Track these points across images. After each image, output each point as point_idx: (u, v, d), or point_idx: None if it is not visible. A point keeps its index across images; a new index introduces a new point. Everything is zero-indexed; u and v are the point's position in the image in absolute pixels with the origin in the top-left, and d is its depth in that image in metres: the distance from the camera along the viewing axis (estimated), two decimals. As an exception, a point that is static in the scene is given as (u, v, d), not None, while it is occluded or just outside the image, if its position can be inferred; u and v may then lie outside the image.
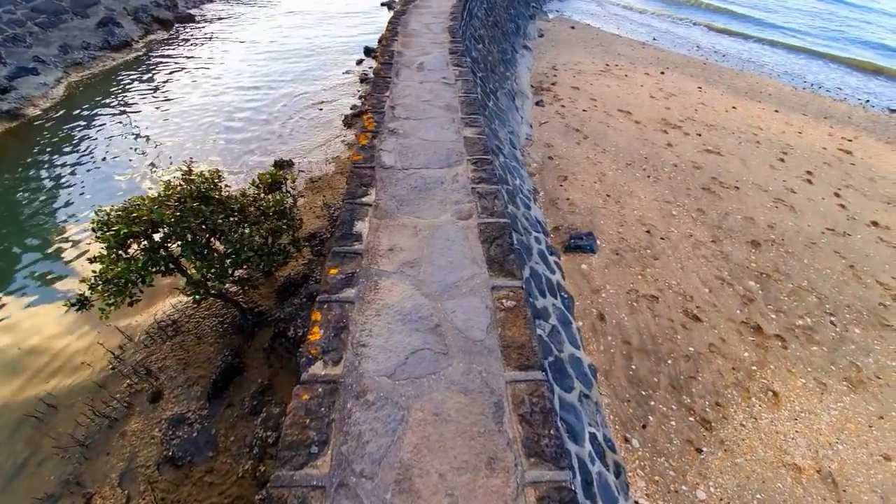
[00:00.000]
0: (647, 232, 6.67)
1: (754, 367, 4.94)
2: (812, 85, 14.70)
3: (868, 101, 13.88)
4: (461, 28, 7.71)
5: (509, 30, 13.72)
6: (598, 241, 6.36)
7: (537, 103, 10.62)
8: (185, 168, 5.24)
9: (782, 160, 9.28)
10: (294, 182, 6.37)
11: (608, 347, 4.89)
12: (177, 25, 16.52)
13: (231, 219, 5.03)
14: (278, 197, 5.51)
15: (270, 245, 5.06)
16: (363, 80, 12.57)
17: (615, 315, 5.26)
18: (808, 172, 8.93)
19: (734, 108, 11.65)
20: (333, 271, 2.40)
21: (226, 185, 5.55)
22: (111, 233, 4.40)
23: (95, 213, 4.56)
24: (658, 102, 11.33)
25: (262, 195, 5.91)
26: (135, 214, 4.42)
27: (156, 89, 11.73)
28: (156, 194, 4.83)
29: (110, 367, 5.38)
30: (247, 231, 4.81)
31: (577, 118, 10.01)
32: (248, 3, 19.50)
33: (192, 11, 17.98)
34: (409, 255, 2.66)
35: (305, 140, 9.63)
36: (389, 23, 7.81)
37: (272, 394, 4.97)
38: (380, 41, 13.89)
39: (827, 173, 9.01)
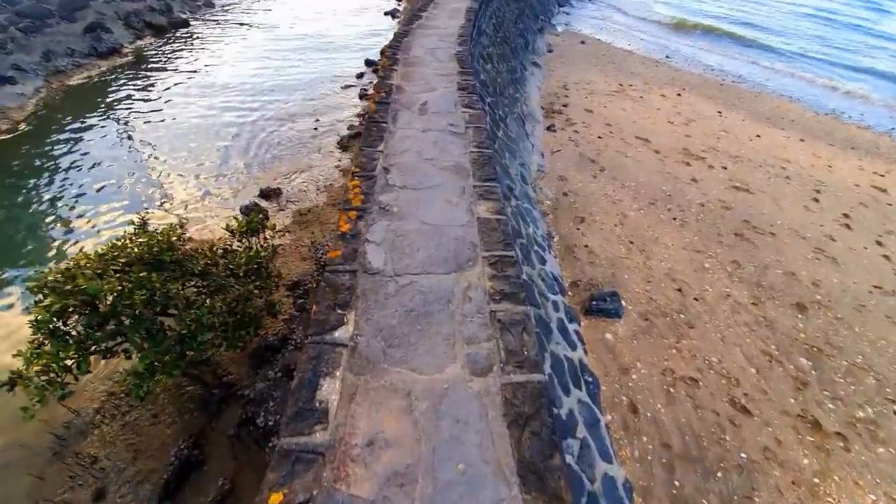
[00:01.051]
0: (679, 290, 5.77)
1: (817, 480, 4.04)
2: (834, 110, 13.83)
3: (894, 129, 13.04)
4: (471, 53, 6.83)
5: (518, 45, 12.86)
6: (622, 302, 5.46)
7: (548, 128, 9.73)
8: (136, 221, 4.34)
9: (816, 199, 8.39)
10: (273, 230, 5.46)
11: (644, 453, 3.98)
12: (171, 31, 15.64)
13: (189, 285, 4.12)
14: (251, 253, 4.60)
15: (238, 316, 4.15)
16: (362, 96, 11.68)
17: (650, 406, 4.35)
18: (845, 215, 8.04)
19: (758, 136, 10.77)
20: (275, 499, 1.48)
21: (189, 237, 4.65)
22: (40, 308, 3.50)
23: (31, 277, 3.66)
24: (677, 129, 10.45)
25: (235, 246, 5.02)
26: (68, 286, 3.51)
27: (140, 101, 10.83)
28: (102, 252, 3.94)
29: (52, 452, 4.47)
30: (208, 303, 3.90)
31: (592, 146, 9.12)
32: (248, 10, 18.63)
33: (189, 17, 17.11)
34: (398, 459, 1.75)
35: (296, 164, 8.72)
36: (389, 47, 6.88)
37: (234, 500, 4.06)
38: (377, 69, 12.97)
39: (864, 216, 8.12)
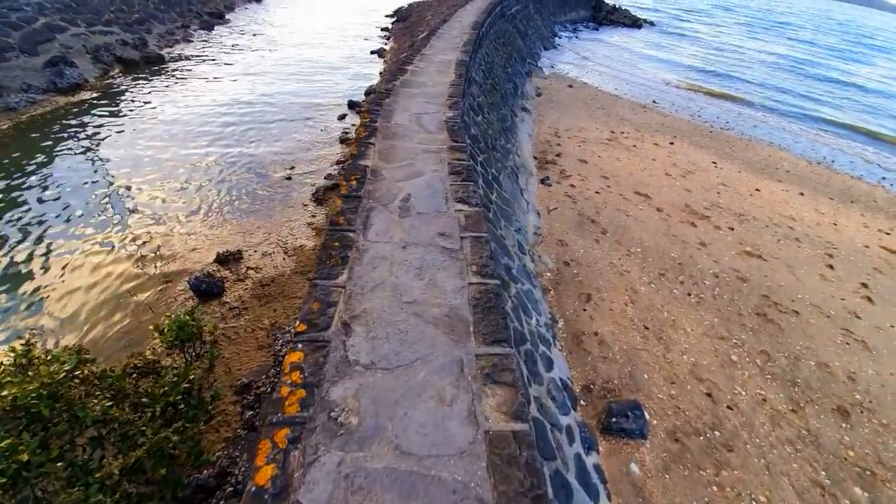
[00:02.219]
0: (708, 395, 4.80)
1: None
2: (825, 158, 13.54)
3: (884, 178, 12.75)
4: (463, 116, 6.00)
5: (508, 91, 12.26)
6: (646, 415, 4.44)
7: (543, 181, 8.93)
8: (20, 347, 3.16)
9: (830, 266, 7.67)
10: (215, 331, 4.32)
11: None
12: (144, 67, 14.65)
13: (82, 437, 2.95)
14: (176, 377, 3.44)
15: (146, 478, 2.98)
16: (343, 140, 10.78)
17: (698, 586, 3.27)
18: (864, 285, 7.31)
19: (758, 190, 10.19)
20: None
21: (92, 360, 3.46)
22: None
23: None
24: (676, 182, 9.79)
25: (162, 360, 3.86)
26: None
27: (94, 139, 9.68)
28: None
29: None
30: (97, 475, 2.73)
31: (590, 203, 8.32)
32: (226, 48, 17.86)
33: (165, 52, 16.21)
34: None
35: (263, 220, 7.64)
36: (366, 113, 5.90)
37: None
38: (351, 142, 12.12)
39: (883, 286, 7.41)
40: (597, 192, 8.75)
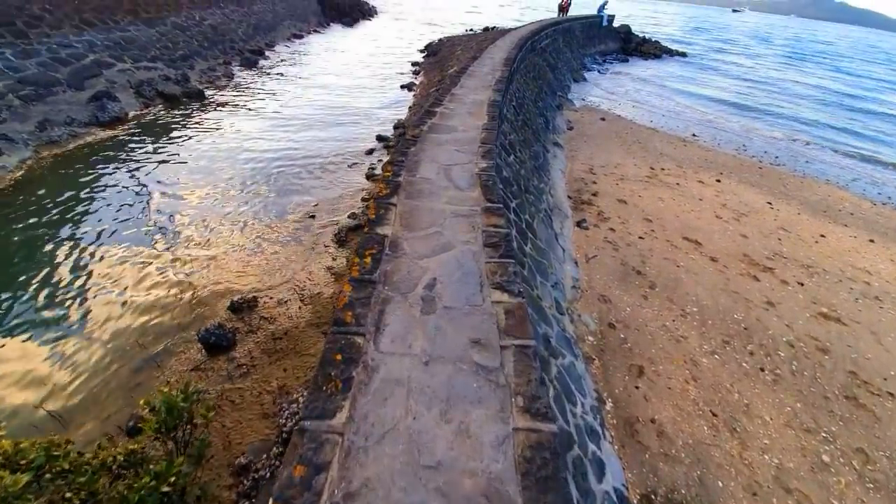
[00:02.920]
0: (803, 515, 3.79)
1: None
2: (890, 199, 12.18)
3: (965, 223, 11.24)
4: (498, 170, 5.41)
5: (539, 127, 11.68)
6: (725, 542, 3.48)
7: (579, 224, 8.15)
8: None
9: (926, 331, 6.47)
10: (209, 414, 3.72)
11: None
12: (184, 102, 14.99)
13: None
14: (151, 480, 2.82)
15: None
16: (370, 176, 10.38)
17: None
18: (974, 356, 6.07)
19: (822, 236, 9.05)
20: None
21: (71, 442, 2.88)
22: None
23: None
24: (729, 226, 8.80)
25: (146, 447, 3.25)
26: None
27: (128, 172, 9.63)
28: None
29: None
30: None
31: (634, 251, 7.46)
32: (265, 85, 18.23)
33: (206, 87, 16.64)
34: None
35: (282, 264, 7.17)
36: (390, 163, 5.27)
37: None
38: (388, 146, 11.89)
39: None
40: (640, 238, 7.89)
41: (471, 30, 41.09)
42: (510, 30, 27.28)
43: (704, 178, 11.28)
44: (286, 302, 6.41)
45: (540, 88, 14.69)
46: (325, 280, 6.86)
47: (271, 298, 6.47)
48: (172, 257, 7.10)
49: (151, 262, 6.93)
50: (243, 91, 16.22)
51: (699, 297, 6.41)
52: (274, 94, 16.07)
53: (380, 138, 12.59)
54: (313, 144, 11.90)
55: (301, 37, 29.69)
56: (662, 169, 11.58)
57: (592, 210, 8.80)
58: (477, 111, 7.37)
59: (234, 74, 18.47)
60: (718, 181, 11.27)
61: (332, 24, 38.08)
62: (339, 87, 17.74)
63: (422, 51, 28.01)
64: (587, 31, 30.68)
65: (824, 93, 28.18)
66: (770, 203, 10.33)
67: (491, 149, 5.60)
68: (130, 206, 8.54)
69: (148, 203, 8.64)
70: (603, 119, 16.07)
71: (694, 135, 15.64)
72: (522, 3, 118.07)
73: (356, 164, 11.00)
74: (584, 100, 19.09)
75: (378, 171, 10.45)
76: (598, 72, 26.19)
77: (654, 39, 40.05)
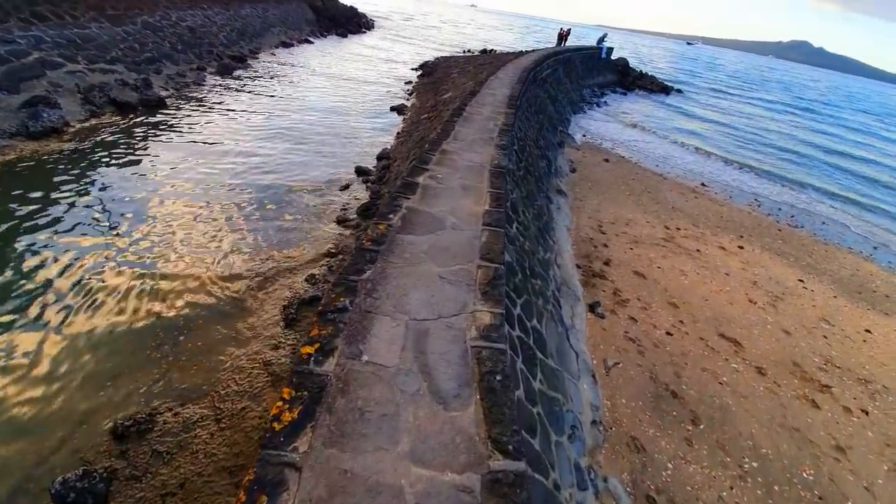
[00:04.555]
0: None
1: None
2: (920, 275, 10.97)
3: None
4: (512, 321, 3.67)
5: (542, 171, 10.12)
6: None
7: (592, 308, 6.51)
8: None
9: None
10: None
11: None
12: (139, 111, 13.03)
13: None
14: None
15: None
16: (341, 221, 8.60)
17: None
18: None
19: (868, 331, 7.61)
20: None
21: None
22: None
23: None
24: (767, 316, 7.28)
25: None
26: None
27: (44, 201, 7.63)
28: None
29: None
30: None
31: (663, 355, 5.83)
32: (240, 95, 16.39)
33: (170, 94, 14.72)
34: None
35: (200, 354, 5.29)
36: (316, 326, 2.88)
37: None
38: (367, 182, 10.13)
39: None
40: (668, 334, 6.27)
41: (468, 51, 40.13)
42: (509, 55, 26.11)
43: (725, 243, 9.85)
44: (195, 423, 4.53)
45: (541, 124, 13.24)
46: (256, 384, 5.01)
47: (175, 416, 4.58)
48: (49, 338, 5.12)
49: (16, 347, 4.95)
50: (211, 103, 14.34)
51: (756, 440, 4.77)
52: (245, 110, 14.23)
53: (359, 171, 10.86)
54: (278, 176, 10.07)
55: (291, 45, 28.02)
56: (678, 229, 10.11)
57: (606, 286, 7.19)
58: (475, 184, 5.54)
59: (205, 82, 16.59)
60: (741, 247, 9.85)
61: (326, 34, 36.58)
62: (320, 106, 16.01)
63: (416, 69, 26.62)
64: (587, 63, 29.83)
65: (831, 143, 27.71)
66: (802, 281, 8.91)
67: (499, 276, 3.72)
68: (41, 242, 6.49)
69: (29, 258, 6.59)
70: (607, 160, 14.70)
71: (703, 184, 14.36)
72: (519, 27, 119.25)
73: (327, 203, 9.22)
74: (585, 135, 17.78)
75: (352, 216, 8.69)
76: (598, 105, 25.15)
77: (650, 74, 39.68)
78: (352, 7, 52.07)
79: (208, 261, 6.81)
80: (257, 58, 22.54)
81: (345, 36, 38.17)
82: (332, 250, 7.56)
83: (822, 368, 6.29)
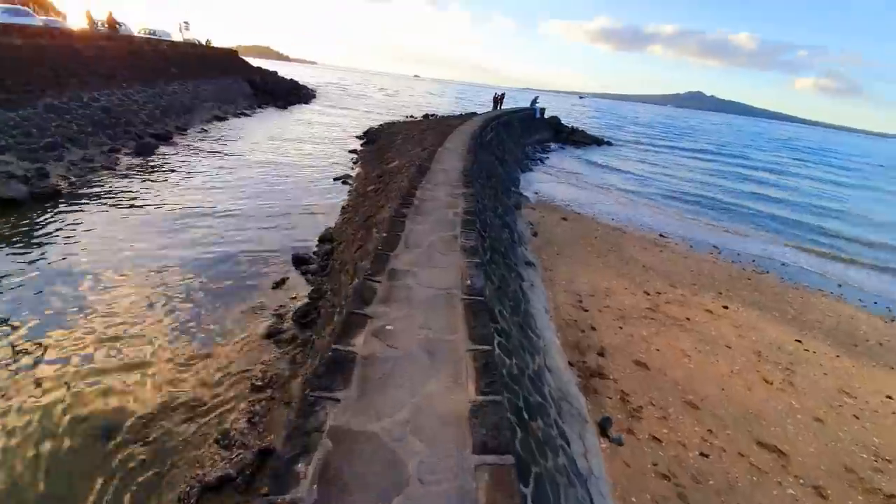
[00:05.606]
0: None
1: None
2: (890, 310, 10.72)
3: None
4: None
5: (506, 244, 8.96)
6: None
7: (604, 431, 5.02)
8: None
9: None
10: None
11: None
12: (28, 206, 10.64)
13: None
14: None
15: None
16: (271, 334, 6.69)
17: None
18: None
19: (889, 397, 6.73)
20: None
21: None
22: None
23: None
24: (791, 399, 6.15)
25: None
26: None
27: None
28: None
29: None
30: None
31: (708, 494, 4.38)
32: (158, 177, 14.41)
33: (70, 183, 12.43)
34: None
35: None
36: None
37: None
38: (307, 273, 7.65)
39: None
40: (703, 455, 4.87)
41: (411, 116, 40.83)
42: (452, 119, 26.33)
43: (709, 304, 9.00)
44: None
45: (496, 189, 12.41)
46: None
47: None
48: None
49: None
50: (118, 190, 12.22)
51: None
52: (156, 195, 12.22)
53: (297, 260, 9.13)
54: (193, 278, 8.08)
55: (224, 119, 26.57)
56: (658, 293, 9.18)
57: (610, 389, 5.79)
58: (446, 338, 3.57)
59: (117, 165, 14.48)
60: (726, 307, 9.03)
61: (264, 107, 35.69)
62: (253, 183, 14.36)
63: (360, 137, 25.98)
64: (524, 123, 30.91)
65: (747, 175, 29.85)
66: (800, 341, 8.09)
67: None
68: None
69: None
70: (565, 219, 14.06)
71: (662, 235, 14.00)
72: (452, 93, 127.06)
73: (254, 310, 7.31)
74: (537, 193, 17.36)
75: (286, 326, 6.83)
76: (541, 161, 25.56)
77: (580, 129, 42.19)
78: (292, 80, 52.39)
79: (68, 434, 4.62)
80: (185, 134, 20.76)
81: (285, 108, 37.52)
82: (258, 382, 5.63)
83: (876, 468, 5.11)
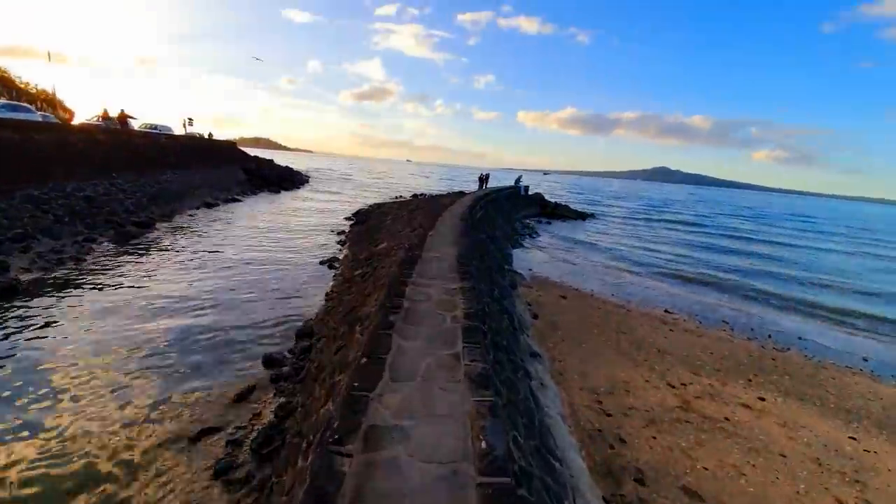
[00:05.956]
0: None
1: None
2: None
3: None
4: None
5: (509, 336, 7.88)
6: None
7: None
8: None
9: None
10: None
11: None
12: (-35, 305, 9.40)
13: None
14: None
15: None
16: (220, 472, 5.23)
17: None
18: None
19: None
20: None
21: None
22: None
23: None
24: (889, 538, 4.80)
25: None
26: None
27: None
28: None
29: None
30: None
31: None
32: (130, 268, 13.43)
33: (32, 277, 11.31)
34: None
35: None
36: None
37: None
38: (278, 385, 6.30)
39: None
40: None
41: (399, 196, 41.68)
42: (442, 198, 26.56)
43: (744, 397, 7.79)
44: None
45: (490, 269, 11.61)
46: None
47: None
48: None
49: None
50: (81, 282, 11.10)
51: None
52: (122, 286, 11.10)
53: (269, 362, 7.83)
54: (134, 386, 6.69)
55: (215, 205, 26.38)
56: (683, 384, 7.99)
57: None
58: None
59: (87, 255, 13.49)
60: (762, 399, 7.82)
61: (257, 192, 36.11)
62: (232, 270, 13.39)
63: (350, 218, 25.82)
64: (511, 200, 31.50)
65: (735, 248, 30.00)
66: (854, 439, 6.83)
67: None
68: None
69: None
70: (563, 297, 13.17)
71: (667, 311, 13.09)
72: (438, 175, 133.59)
73: (203, 434, 5.87)
74: (531, 269, 16.66)
75: (242, 459, 5.38)
76: (531, 236, 25.42)
77: (564, 204, 43.37)
78: (286, 167, 54.27)
79: None
80: (170, 221, 20.19)
81: (277, 192, 38.06)
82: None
83: None
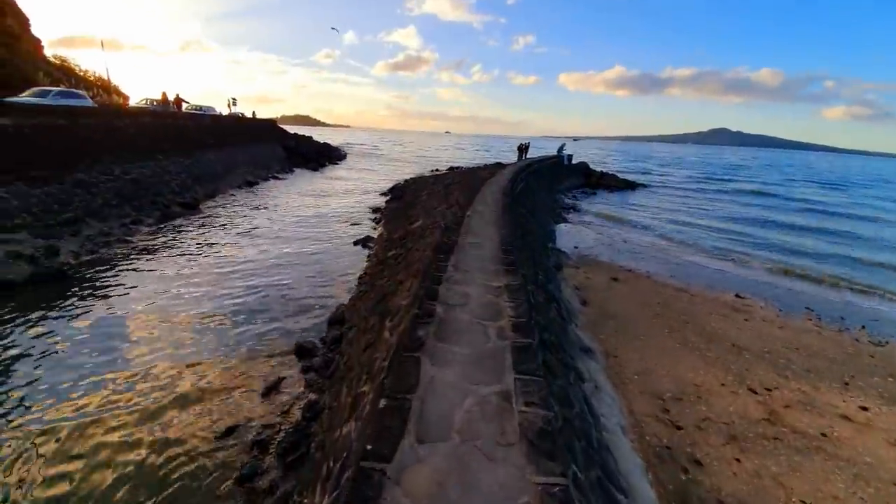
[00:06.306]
0: None
1: None
2: None
3: None
4: None
5: (557, 328, 6.94)
6: None
7: None
8: None
9: None
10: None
11: None
12: (26, 289, 9.78)
13: None
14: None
15: None
16: (242, 479, 4.84)
17: None
18: None
19: None
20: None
21: None
22: None
23: None
24: None
25: None
26: None
27: None
28: None
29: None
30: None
31: None
32: (175, 251, 13.58)
33: (80, 262, 11.68)
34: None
35: None
36: None
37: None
38: (309, 370, 5.98)
39: None
40: None
41: (436, 170, 40.58)
42: (481, 171, 25.16)
43: (843, 406, 6.47)
44: None
45: (532, 251, 10.55)
46: None
47: None
48: None
49: None
50: (122, 266, 11.27)
51: None
52: (164, 268, 11.14)
53: (301, 351, 7.43)
54: (170, 376, 6.47)
55: (255, 183, 26.69)
56: (767, 389, 6.76)
57: None
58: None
59: (133, 238, 13.81)
60: (864, 408, 6.47)
61: (296, 169, 36.36)
62: (267, 254, 13.19)
63: (385, 194, 25.24)
64: (553, 171, 29.56)
65: (803, 217, 26.66)
66: None
67: None
68: None
69: None
70: (615, 279, 11.91)
71: (738, 295, 11.50)
72: (474, 146, 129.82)
73: (228, 435, 5.52)
74: (576, 247, 15.36)
75: (267, 465, 4.97)
76: (575, 209, 23.73)
77: (611, 173, 40.43)
78: (325, 143, 54.38)
79: None
80: (214, 200, 20.53)
81: (316, 169, 38.16)
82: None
83: None
